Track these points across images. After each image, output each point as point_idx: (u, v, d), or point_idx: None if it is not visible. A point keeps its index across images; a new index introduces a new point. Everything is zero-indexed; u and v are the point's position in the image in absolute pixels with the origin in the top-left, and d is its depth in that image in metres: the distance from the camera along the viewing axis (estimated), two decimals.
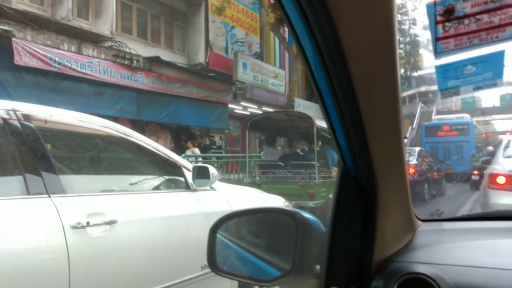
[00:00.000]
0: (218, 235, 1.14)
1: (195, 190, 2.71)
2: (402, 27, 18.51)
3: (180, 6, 13.03)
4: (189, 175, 2.70)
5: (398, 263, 0.89)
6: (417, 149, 11.39)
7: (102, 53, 9.53)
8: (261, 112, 13.27)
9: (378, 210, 0.86)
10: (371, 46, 0.62)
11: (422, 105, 30.65)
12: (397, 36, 0.64)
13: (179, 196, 2.70)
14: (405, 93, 33.52)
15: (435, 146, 16.79)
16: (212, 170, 2.69)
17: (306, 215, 0.96)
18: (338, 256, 0.86)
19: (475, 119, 23.32)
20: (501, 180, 4.68)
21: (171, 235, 2.43)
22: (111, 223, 2.08)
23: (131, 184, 2.69)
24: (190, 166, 2.76)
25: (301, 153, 7.53)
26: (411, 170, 9.44)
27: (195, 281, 2.44)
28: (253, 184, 7.13)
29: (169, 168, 2.77)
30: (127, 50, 10.09)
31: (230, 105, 13.22)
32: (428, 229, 1.07)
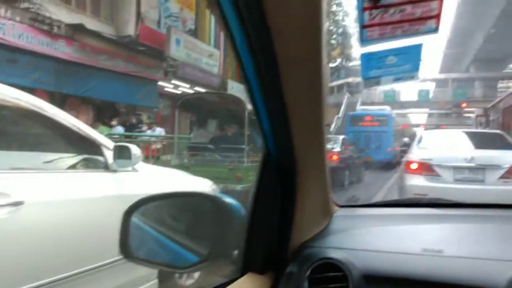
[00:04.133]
0: (134, 219, 1.08)
1: (115, 171, 2.56)
2: (336, 17, 19.08)
3: None
4: (109, 155, 2.54)
5: (313, 248, 0.91)
6: (341, 137, 12.04)
7: (17, 15, 8.59)
8: (192, 91, 13.00)
9: (297, 194, 0.87)
10: (298, 27, 0.61)
11: (349, 95, 32.28)
12: (325, 21, 0.64)
13: (97, 177, 2.53)
14: (335, 83, 35.07)
15: (358, 135, 17.81)
16: (135, 150, 2.56)
17: (228, 200, 0.95)
18: (256, 241, 0.87)
19: (395, 111, 25.15)
20: (414, 166, 5.63)
21: (85, 218, 2.27)
22: (16, 204, 1.88)
23: (44, 162, 2.47)
24: (111, 145, 2.60)
25: (232, 136, 7.53)
26: (335, 157, 9.94)
27: (110, 267, 2.32)
28: (181, 166, 7.00)
29: (87, 147, 2.59)
30: (47, 15, 9.20)
31: (160, 83, 12.76)
32: (344, 215, 1.11)
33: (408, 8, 0.85)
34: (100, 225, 2.33)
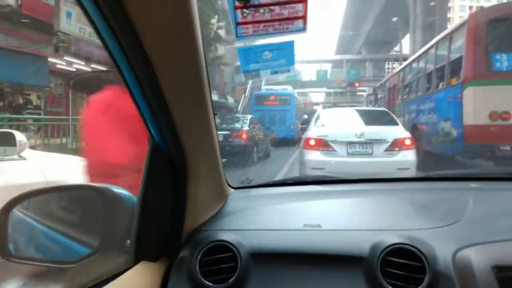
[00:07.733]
0: (17, 213, 1.00)
1: None
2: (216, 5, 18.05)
3: None
4: None
5: (206, 231, 0.94)
6: (249, 116, 12.41)
7: None
8: (89, 69, 12.03)
9: (189, 182, 0.88)
10: (167, 25, 0.61)
11: None
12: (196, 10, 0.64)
13: None
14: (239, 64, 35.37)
15: (263, 114, 18.41)
16: (20, 136, 2.32)
17: (118, 190, 0.93)
18: (148, 229, 0.86)
19: (296, 90, 26.36)
20: (312, 142, 6.06)
21: None
22: None
23: None
24: None
25: None
26: (244, 136, 10.23)
27: None
28: (78, 150, 6.52)
29: None
30: None
31: (51, 59, 11.54)
32: (237, 196, 1.16)
33: (277, 9, 0.91)
34: None
